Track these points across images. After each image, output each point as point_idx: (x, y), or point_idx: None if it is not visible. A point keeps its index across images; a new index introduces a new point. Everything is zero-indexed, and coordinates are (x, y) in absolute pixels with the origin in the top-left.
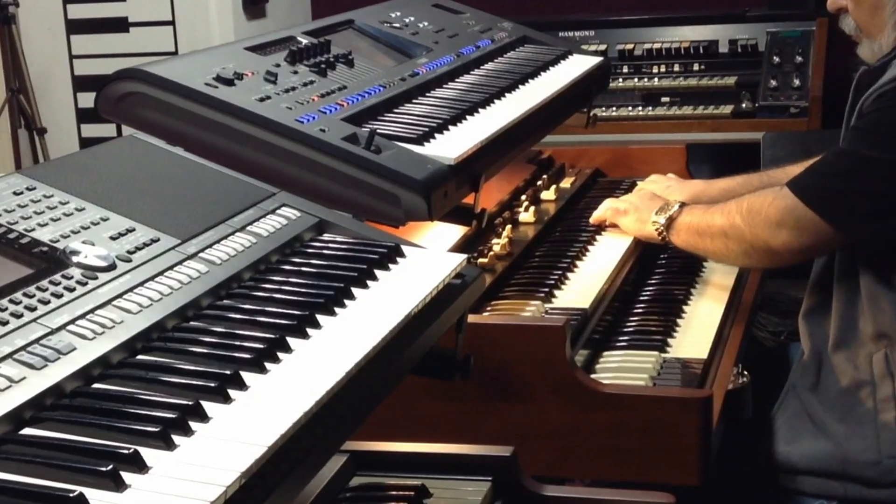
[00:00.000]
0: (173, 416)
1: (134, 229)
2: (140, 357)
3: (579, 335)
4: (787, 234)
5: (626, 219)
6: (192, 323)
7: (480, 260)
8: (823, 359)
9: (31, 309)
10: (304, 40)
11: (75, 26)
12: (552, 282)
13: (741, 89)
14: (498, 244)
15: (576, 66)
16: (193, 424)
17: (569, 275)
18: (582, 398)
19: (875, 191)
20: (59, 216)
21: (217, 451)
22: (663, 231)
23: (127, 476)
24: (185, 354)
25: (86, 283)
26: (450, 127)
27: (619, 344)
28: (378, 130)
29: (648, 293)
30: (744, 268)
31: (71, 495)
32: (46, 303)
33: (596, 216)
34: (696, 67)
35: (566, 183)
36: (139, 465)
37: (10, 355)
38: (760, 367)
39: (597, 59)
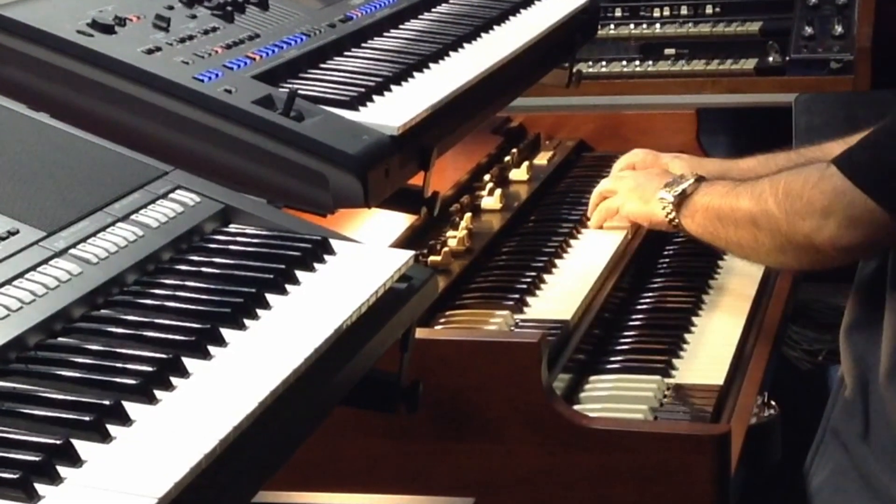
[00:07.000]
0: (36, 458)
1: None
2: None
3: (559, 355)
4: (834, 226)
5: (624, 197)
6: (61, 339)
7: (432, 258)
8: (871, 391)
9: None
10: None
11: None
12: (524, 286)
13: (767, 38)
14: (454, 238)
15: (554, 9)
16: (63, 470)
17: (546, 277)
18: (562, 435)
19: None
20: None
21: None
22: (672, 211)
23: None
24: (52, 380)
25: None
26: (392, 87)
27: (610, 366)
28: (300, 91)
29: (648, 302)
30: (776, 267)
31: None
32: None
33: (595, 221)
34: (709, 10)
35: (542, 159)
36: None
37: None
38: (792, 395)
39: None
